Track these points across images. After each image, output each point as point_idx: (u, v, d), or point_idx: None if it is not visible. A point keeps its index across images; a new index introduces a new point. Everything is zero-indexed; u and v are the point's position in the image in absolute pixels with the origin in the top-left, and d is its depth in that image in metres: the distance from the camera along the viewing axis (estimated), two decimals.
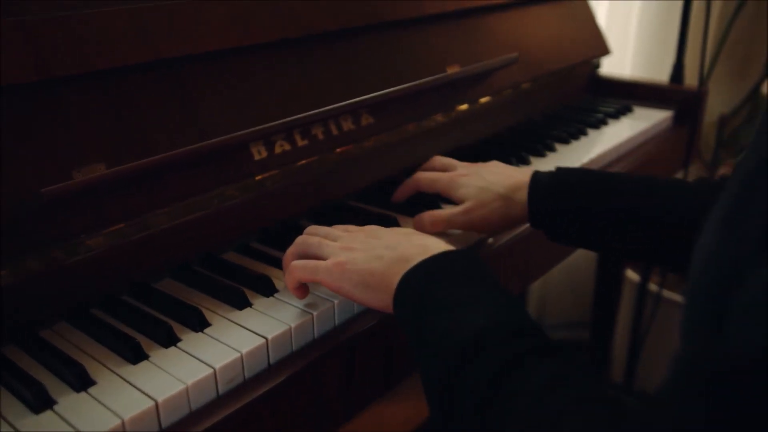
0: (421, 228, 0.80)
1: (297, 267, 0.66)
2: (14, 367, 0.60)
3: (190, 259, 0.77)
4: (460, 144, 1.11)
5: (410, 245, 0.62)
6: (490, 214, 0.79)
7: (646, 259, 0.77)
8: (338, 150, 0.90)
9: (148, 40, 0.73)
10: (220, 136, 0.75)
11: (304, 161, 0.85)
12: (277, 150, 0.82)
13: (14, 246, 0.62)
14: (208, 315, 0.66)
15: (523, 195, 0.79)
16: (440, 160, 0.90)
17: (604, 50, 1.47)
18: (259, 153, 0.80)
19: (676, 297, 1.65)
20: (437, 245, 0.62)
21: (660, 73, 1.80)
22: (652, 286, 1.66)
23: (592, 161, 1.09)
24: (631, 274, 1.74)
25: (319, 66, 0.90)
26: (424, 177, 0.86)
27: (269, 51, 0.84)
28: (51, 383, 0.57)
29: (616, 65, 1.76)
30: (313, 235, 0.69)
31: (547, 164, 1.07)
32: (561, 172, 0.79)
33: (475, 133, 1.15)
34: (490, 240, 0.86)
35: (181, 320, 0.65)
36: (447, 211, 0.80)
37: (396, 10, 1.01)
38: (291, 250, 0.70)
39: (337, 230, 0.70)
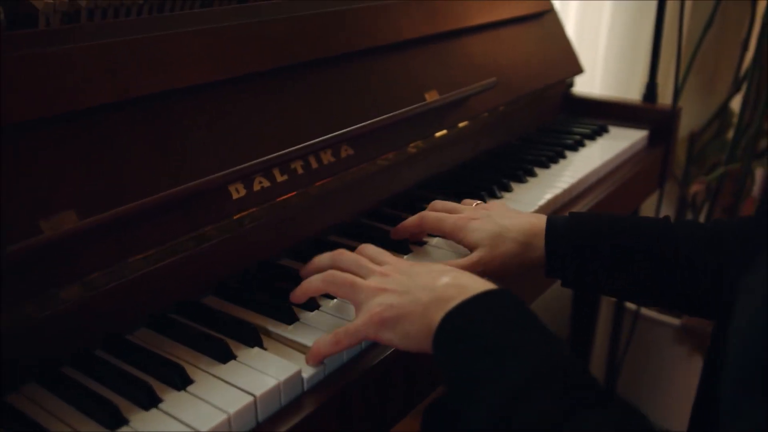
0: None
1: (341, 337, 0.62)
2: None
3: (166, 306, 0.73)
4: (440, 170, 1.09)
5: (447, 286, 0.60)
6: (508, 261, 0.76)
7: (678, 306, 0.76)
8: (318, 183, 0.86)
9: (118, 79, 0.69)
10: (196, 179, 0.72)
11: (283, 197, 0.82)
12: (256, 187, 0.79)
13: None
14: (189, 370, 0.62)
15: (541, 241, 0.76)
16: (443, 203, 0.86)
17: (578, 69, 1.46)
18: (237, 191, 0.77)
19: (654, 314, 1.65)
20: (474, 284, 0.59)
21: (628, 92, 1.81)
22: (630, 304, 1.66)
23: (573, 186, 1.07)
24: None
25: (297, 98, 0.87)
26: (431, 216, 0.82)
27: (244, 85, 0.81)
28: None
29: (586, 84, 1.76)
30: (345, 269, 0.67)
31: (529, 190, 1.05)
32: (576, 217, 0.78)
33: (453, 158, 1.12)
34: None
35: (162, 378, 0.61)
36: (458, 261, 0.76)
37: (373, 36, 0.99)
38: (320, 286, 0.67)
39: (369, 264, 0.67)
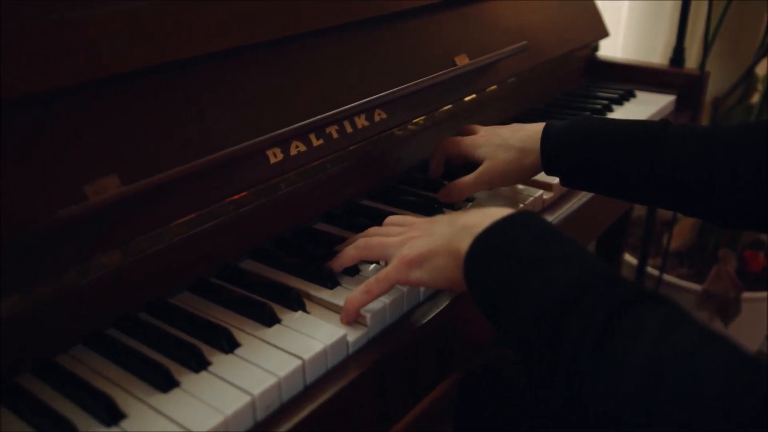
0: (448, 199, 0.85)
1: (372, 285, 0.63)
2: (35, 400, 0.55)
3: (206, 270, 0.73)
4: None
5: (469, 216, 0.61)
6: (508, 167, 0.83)
7: (661, 206, 0.79)
8: (352, 147, 0.86)
9: (151, 43, 0.68)
10: (235, 144, 0.71)
11: (318, 161, 0.82)
12: (293, 152, 0.78)
13: (26, 270, 0.58)
14: (235, 333, 0.63)
15: (536, 144, 0.81)
16: (465, 126, 0.94)
17: (604, 33, 1.44)
18: (275, 156, 0.76)
19: (676, 280, 1.65)
20: (498, 210, 0.59)
21: (649, 55, 1.78)
22: (652, 270, 1.66)
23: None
24: (630, 258, 1.73)
25: (331, 63, 0.86)
26: (449, 140, 0.90)
27: (278, 50, 0.80)
28: (78, 418, 0.53)
29: (608, 47, 1.74)
30: (373, 236, 0.70)
31: None
32: (574, 121, 0.81)
33: (481, 122, 1.11)
34: None
35: (209, 341, 0.62)
36: (468, 176, 0.84)
37: (402, 1, 0.97)
38: (355, 254, 0.69)
39: (396, 227, 0.70)
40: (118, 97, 0.66)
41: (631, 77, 1.41)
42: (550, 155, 0.80)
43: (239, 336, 0.63)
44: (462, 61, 1.03)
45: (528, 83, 1.21)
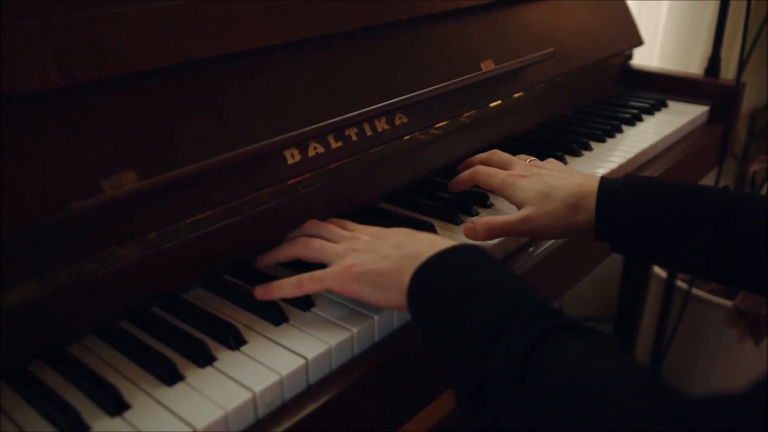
0: (473, 236, 0.77)
1: (304, 280, 0.65)
2: (44, 387, 0.57)
3: (221, 267, 0.74)
4: (492, 141, 1.07)
5: (416, 243, 0.63)
6: (554, 222, 0.74)
7: (734, 281, 0.72)
8: (371, 150, 0.86)
9: (176, 42, 0.69)
10: (253, 143, 0.72)
11: (337, 163, 0.82)
12: (311, 153, 0.79)
13: (42, 260, 0.59)
14: (243, 331, 0.63)
15: (590, 203, 0.73)
16: (499, 155, 0.86)
17: (638, 41, 1.42)
18: (292, 156, 0.77)
19: (706, 295, 1.61)
20: (443, 241, 0.62)
21: (687, 65, 1.75)
22: (680, 283, 1.63)
23: (628, 162, 1.05)
24: (659, 271, 1.70)
25: (353, 65, 0.86)
26: (483, 171, 0.82)
27: (300, 51, 0.81)
28: (84, 407, 0.55)
29: (644, 56, 1.71)
30: (315, 236, 0.71)
31: (583, 164, 1.03)
32: (632, 180, 0.74)
33: (507, 129, 1.11)
34: (531, 249, 0.83)
35: (217, 337, 0.62)
36: (503, 218, 0.75)
37: (431, 3, 0.97)
38: (290, 252, 0.70)
39: (339, 230, 0.71)
40: (141, 93, 0.67)
41: (665, 86, 1.38)
42: (607, 220, 0.72)
43: (247, 333, 0.63)
44: (488, 66, 1.03)
45: (557, 90, 1.20)
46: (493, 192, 0.83)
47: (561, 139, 1.09)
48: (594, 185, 0.74)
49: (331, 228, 0.72)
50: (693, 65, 1.74)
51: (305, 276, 0.65)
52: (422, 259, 0.60)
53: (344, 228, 0.72)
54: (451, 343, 0.54)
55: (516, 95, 1.10)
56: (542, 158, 0.99)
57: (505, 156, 0.85)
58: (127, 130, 0.66)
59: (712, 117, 1.31)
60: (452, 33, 1.00)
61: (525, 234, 0.77)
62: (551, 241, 0.85)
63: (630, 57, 1.45)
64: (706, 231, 0.69)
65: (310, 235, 0.73)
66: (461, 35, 1.02)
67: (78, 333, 0.64)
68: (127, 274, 0.65)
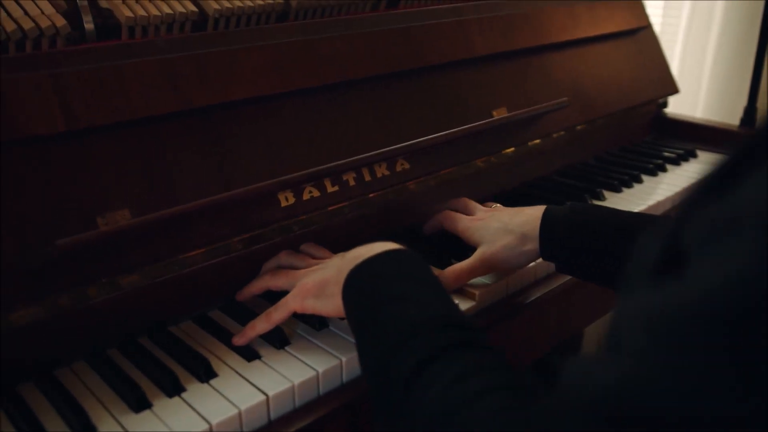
0: (446, 286, 0.79)
1: (272, 312, 0.70)
2: (26, 409, 0.62)
3: (212, 301, 0.78)
4: (504, 188, 1.09)
5: (361, 248, 0.66)
6: (506, 253, 0.80)
7: None
8: (371, 195, 0.89)
9: (180, 90, 0.75)
10: (247, 185, 0.76)
11: (333, 207, 0.86)
12: (305, 196, 0.83)
13: (42, 286, 0.65)
14: (216, 365, 0.67)
15: (535, 230, 0.80)
16: (465, 202, 0.94)
17: (672, 89, 1.41)
18: (286, 199, 0.81)
19: None
20: (383, 245, 0.65)
21: (732, 116, 1.71)
22: None
23: (642, 213, 1.04)
24: None
25: (356, 111, 0.90)
26: (447, 216, 0.90)
27: (304, 97, 0.85)
28: (58, 427, 0.59)
29: (688, 106, 1.69)
30: (287, 266, 0.76)
31: None
32: (574, 207, 0.80)
33: (521, 176, 1.12)
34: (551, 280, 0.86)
35: (189, 369, 0.67)
36: (465, 263, 0.81)
37: (443, 52, 1.00)
38: (261, 284, 0.76)
39: (309, 258, 0.76)
40: (142, 136, 0.73)
41: (698, 136, 1.36)
42: (549, 242, 0.79)
43: (219, 367, 0.67)
44: (500, 114, 1.05)
45: (579, 137, 1.20)
46: (458, 236, 0.88)
47: (574, 188, 1.10)
48: (539, 213, 0.80)
49: (302, 256, 0.77)
50: (737, 115, 1.70)
51: (272, 308, 0.70)
52: (360, 260, 0.63)
53: (315, 254, 0.78)
54: (365, 345, 0.58)
55: (532, 143, 1.11)
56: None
57: (471, 203, 0.93)
58: (126, 170, 0.71)
59: None
60: (464, 80, 1.03)
61: (487, 271, 0.82)
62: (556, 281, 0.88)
63: (664, 105, 1.43)
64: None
65: (283, 265, 0.77)
66: (474, 82, 1.04)
67: (69, 357, 0.69)
68: (117, 304, 0.70)
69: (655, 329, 0.34)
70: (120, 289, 0.70)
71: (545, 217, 0.80)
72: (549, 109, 1.09)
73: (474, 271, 0.81)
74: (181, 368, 0.67)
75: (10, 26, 0.75)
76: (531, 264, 0.84)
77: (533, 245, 0.80)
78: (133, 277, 0.71)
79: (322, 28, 0.89)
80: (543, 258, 0.81)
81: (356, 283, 0.62)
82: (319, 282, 0.67)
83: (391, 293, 0.59)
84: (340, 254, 0.71)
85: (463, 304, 0.80)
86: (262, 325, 0.69)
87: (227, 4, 0.89)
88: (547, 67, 1.16)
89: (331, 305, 0.66)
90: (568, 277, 0.87)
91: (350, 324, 0.62)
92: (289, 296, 0.69)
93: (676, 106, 1.47)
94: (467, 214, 0.90)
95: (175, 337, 0.72)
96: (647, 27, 1.39)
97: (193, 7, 0.87)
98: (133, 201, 0.71)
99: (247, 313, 0.76)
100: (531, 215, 0.81)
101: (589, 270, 0.77)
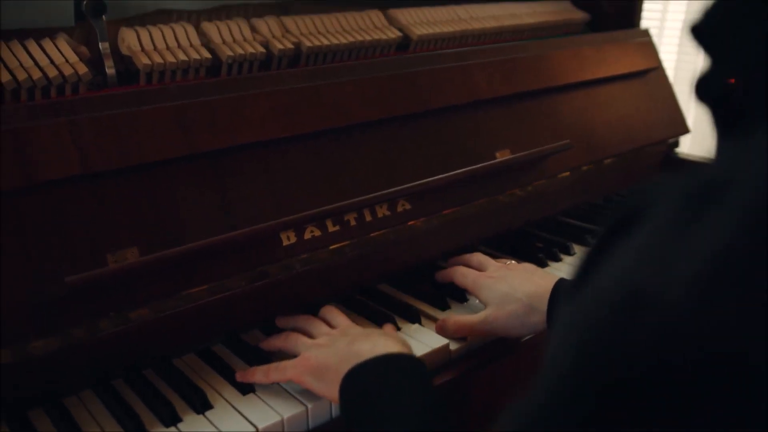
0: (443, 333, 0.84)
1: (271, 369, 0.72)
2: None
3: (215, 335, 0.82)
4: (509, 227, 1.11)
5: (364, 343, 0.68)
6: (511, 321, 0.81)
7: None
8: (372, 235, 0.93)
9: (189, 135, 0.79)
10: (252, 225, 0.81)
11: (334, 246, 0.89)
12: (307, 236, 0.87)
13: (56, 320, 0.70)
14: (213, 397, 0.71)
15: (544, 303, 0.79)
16: (477, 257, 0.93)
17: (683, 129, 1.43)
18: (288, 239, 0.85)
19: None
20: (385, 344, 0.67)
21: None
22: None
23: None
24: None
25: (359, 154, 0.94)
26: (458, 272, 0.90)
27: (308, 141, 0.90)
28: None
29: (706, 145, 1.69)
30: (301, 330, 0.78)
31: None
32: None
33: (525, 216, 1.14)
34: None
35: (187, 400, 0.70)
36: (469, 318, 0.83)
37: (446, 96, 1.04)
38: (276, 343, 0.78)
39: (323, 327, 0.77)
40: (152, 178, 0.78)
41: None
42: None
43: (215, 399, 0.71)
44: (504, 155, 1.08)
45: (587, 178, 1.22)
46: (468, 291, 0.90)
47: (577, 228, 1.12)
48: (550, 285, 0.79)
49: (316, 324, 0.78)
50: None
51: (273, 365, 0.73)
52: (360, 360, 0.66)
53: (330, 321, 0.79)
54: None
55: (536, 183, 1.14)
56: (553, 245, 1.03)
57: (483, 258, 0.92)
58: (135, 210, 0.76)
59: None
60: (468, 123, 1.06)
61: (488, 334, 0.83)
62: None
63: (676, 144, 1.45)
64: None
65: (297, 328, 0.80)
66: (478, 125, 1.08)
67: (78, 385, 0.73)
68: (127, 336, 0.74)
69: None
70: (128, 323, 0.75)
71: (555, 290, 0.79)
72: (552, 151, 1.11)
73: (475, 330, 0.82)
74: (179, 399, 0.71)
75: (36, 74, 0.81)
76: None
77: (540, 318, 0.79)
78: (141, 311, 0.76)
79: (329, 74, 0.94)
80: (549, 327, 0.79)
81: (352, 387, 0.65)
82: (321, 364, 0.69)
83: (380, 406, 0.62)
84: (350, 331, 0.74)
85: (454, 342, 0.82)
86: (260, 377, 0.72)
87: (240, 51, 0.95)
88: (552, 109, 1.19)
89: (327, 391, 0.68)
90: None
91: (345, 420, 0.66)
92: (290, 365, 0.71)
93: (694, 146, 1.48)
94: (480, 270, 0.90)
95: (177, 369, 0.76)
96: (657, 68, 1.41)
97: (207, 54, 0.92)
98: (142, 239, 0.75)
99: (247, 348, 0.80)
100: (541, 286, 0.81)
101: None
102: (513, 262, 0.91)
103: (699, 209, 0.31)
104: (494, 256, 0.94)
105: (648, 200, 0.35)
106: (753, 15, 0.34)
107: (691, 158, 1.42)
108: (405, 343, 0.70)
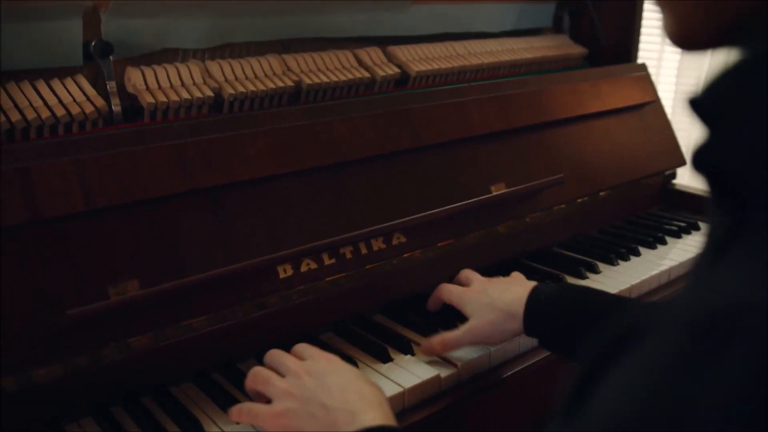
0: (430, 352, 0.87)
1: (243, 411, 0.72)
2: None
3: (212, 365, 0.85)
4: (505, 258, 1.14)
5: (343, 409, 0.66)
6: (490, 329, 0.86)
7: None
8: (367, 267, 0.96)
9: (188, 172, 0.83)
10: (248, 259, 0.84)
11: (330, 278, 0.92)
12: (303, 268, 0.89)
13: (60, 348, 0.72)
14: (207, 425, 0.74)
15: (520, 309, 0.84)
16: (465, 273, 0.99)
17: (679, 161, 1.45)
18: (284, 271, 0.88)
19: None
20: (364, 414, 0.65)
21: None
22: None
23: (633, 287, 1.08)
24: None
25: (355, 189, 0.97)
26: (444, 289, 0.95)
27: (305, 177, 0.93)
28: None
29: (699, 182, 1.71)
30: (270, 366, 0.75)
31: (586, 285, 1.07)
32: (563, 287, 0.86)
33: (520, 247, 1.17)
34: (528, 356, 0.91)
35: (183, 428, 0.73)
36: (453, 333, 0.87)
37: (441, 132, 1.07)
38: (248, 383, 0.75)
39: (290, 363, 0.73)
40: (152, 214, 0.81)
41: (703, 208, 1.39)
42: (533, 322, 0.84)
43: (209, 426, 0.73)
44: (499, 189, 1.11)
45: (582, 210, 1.25)
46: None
47: (571, 260, 1.14)
48: (525, 293, 0.85)
49: (283, 360, 0.75)
50: None
51: (246, 407, 0.72)
52: (342, 429, 0.64)
53: (301, 356, 0.76)
54: None
55: (531, 215, 1.16)
56: (545, 277, 1.06)
57: (470, 273, 0.98)
58: (137, 244, 0.79)
59: None
60: (463, 157, 1.09)
61: (472, 343, 0.87)
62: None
63: (673, 176, 1.47)
64: None
65: (268, 364, 0.77)
66: (473, 159, 1.10)
67: (79, 412, 0.76)
68: (128, 365, 0.77)
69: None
70: (129, 351, 0.77)
71: (530, 297, 0.85)
72: (545, 185, 1.14)
73: (459, 342, 0.86)
74: (175, 427, 0.73)
75: (44, 113, 0.85)
76: (516, 337, 0.88)
77: (517, 324, 0.84)
78: (141, 340, 0.78)
79: (327, 112, 0.97)
80: (526, 334, 0.85)
81: None
82: (293, 425, 0.67)
83: None
84: (322, 371, 0.71)
85: (445, 371, 0.84)
86: (236, 415, 0.73)
87: (241, 88, 0.98)
88: (548, 143, 1.22)
89: None
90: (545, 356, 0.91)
91: None
92: (262, 413, 0.70)
93: (694, 180, 1.49)
94: (467, 285, 0.95)
95: (174, 397, 0.79)
96: (654, 102, 1.44)
97: (209, 92, 0.96)
98: (143, 272, 0.78)
99: (243, 378, 0.82)
100: (518, 293, 0.86)
101: (568, 349, 0.81)
102: (499, 277, 0.95)
103: (714, 343, 0.30)
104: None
105: (642, 325, 0.35)
106: (756, 91, 0.34)
107: (688, 190, 1.44)
108: (374, 388, 0.70)
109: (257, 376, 0.74)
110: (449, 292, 0.94)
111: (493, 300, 0.87)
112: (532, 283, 0.87)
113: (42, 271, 0.73)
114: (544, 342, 0.85)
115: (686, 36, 0.42)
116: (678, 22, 0.41)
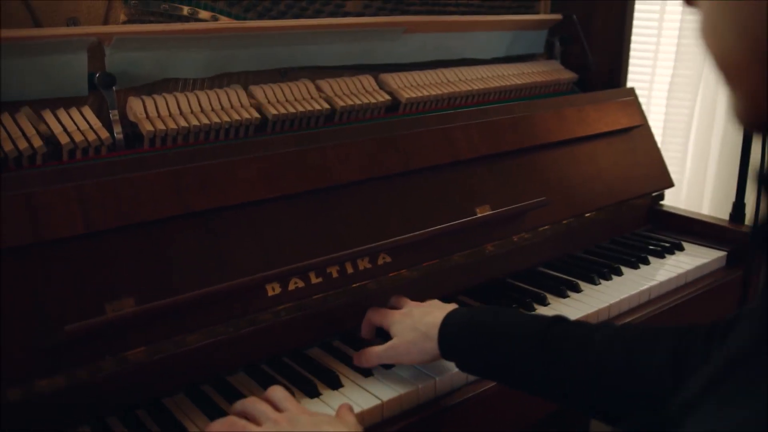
0: (359, 363, 0.93)
1: None
2: None
3: (202, 377, 0.90)
4: (491, 278, 1.18)
5: None
6: (410, 348, 0.91)
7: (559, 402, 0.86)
8: (353, 286, 1.01)
9: (183, 197, 0.88)
10: (239, 278, 0.89)
11: (317, 296, 0.97)
12: (291, 287, 0.95)
13: (61, 361, 0.78)
14: None
15: (435, 332, 0.89)
16: (397, 299, 1.02)
17: (666, 183, 1.49)
18: (272, 289, 0.93)
19: None
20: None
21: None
22: None
23: (612, 305, 1.12)
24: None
25: (343, 211, 1.02)
26: (375, 313, 0.99)
27: (293, 200, 0.98)
28: None
29: (694, 200, 1.75)
30: (242, 411, 0.77)
31: (567, 306, 1.11)
32: (474, 311, 0.90)
33: (506, 268, 1.21)
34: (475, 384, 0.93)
35: None
36: (377, 348, 0.93)
37: (428, 157, 1.12)
38: (218, 428, 0.74)
39: (267, 411, 0.75)
40: (148, 235, 0.87)
41: (690, 229, 1.43)
42: (446, 345, 0.88)
43: None
44: (483, 211, 1.15)
45: (568, 231, 1.29)
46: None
47: (554, 279, 1.19)
48: (443, 315, 0.89)
49: (262, 407, 0.75)
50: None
51: None
52: None
53: (277, 405, 0.76)
54: None
55: (517, 236, 1.21)
56: (528, 296, 1.10)
57: (402, 299, 1.02)
58: (133, 264, 0.85)
59: (732, 263, 1.34)
60: (449, 180, 1.14)
61: (393, 361, 0.92)
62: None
63: (660, 197, 1.51)
64: (525, 355, 0.81)
65: (246, 411, 0.77)
66: (458, 183, 1.15)
67: (76, 422, 0.82)
68: (124, 377, 0.82)
69: None
70: (125, 364, 0.83)
71: (443, 321, 0.89)
72: (530, 207, 1.19)
73: (381, 358, 0.92)
74: None
75: (51, 140, 0.91)
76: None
77: (433, 344, 0.89)
78: (136, 354, 0.84)
79: (316, 139, 1.03)
80: (443, 358, 0.89)
81: None
82: None
83: None
84: (297, 419, 0.73)
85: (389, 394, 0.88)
86: None
87: (236, 116, 1.04)
88: (533, 166, 1.27)
89: None
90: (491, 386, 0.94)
91: None
92: None
93: (690, 198, 1.53)
94: (398, 308, 0.99)
95: (166, 408, 0.84)
96: (642, 125, 1.48)
97: (206, 120, 1.02)
98: (138, 290, 0.84)
99: (233, 391, 0.87)
100: (437, 317, 0.90)
101: (484, 372, 0.88)
102: (436, 301, 0.98)
103: None
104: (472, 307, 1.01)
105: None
106: None
107: (676, 211, 1.48)
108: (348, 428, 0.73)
109: (234, 425, 0.74)
110: (380, 315, 0.98)
111: (415, 321, 0.92)
112: (451, 307, 0.92)
113: (43, 289, 0.78)
114: (461, 365, 0.89)
115: (759, 115, 0.41)
116: (748, 102, 0.41)
